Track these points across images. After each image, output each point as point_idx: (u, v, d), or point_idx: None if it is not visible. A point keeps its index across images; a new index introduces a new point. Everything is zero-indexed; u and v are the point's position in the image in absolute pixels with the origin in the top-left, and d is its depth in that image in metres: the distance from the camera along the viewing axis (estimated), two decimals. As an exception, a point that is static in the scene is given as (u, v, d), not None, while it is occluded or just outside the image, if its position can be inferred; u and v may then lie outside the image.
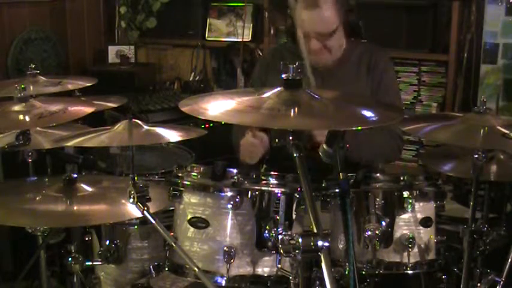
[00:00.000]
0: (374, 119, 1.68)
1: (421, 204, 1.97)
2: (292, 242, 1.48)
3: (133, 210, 1.80)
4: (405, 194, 1.94)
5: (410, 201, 1.93)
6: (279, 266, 1.82)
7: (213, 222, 1.87)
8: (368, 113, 1.69)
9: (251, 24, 4.23)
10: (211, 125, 3.45)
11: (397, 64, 3.58)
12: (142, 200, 1.75)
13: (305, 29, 2.44)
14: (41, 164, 2.45)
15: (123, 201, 1.84)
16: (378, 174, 1.98)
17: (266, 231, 1.84)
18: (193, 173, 1.94)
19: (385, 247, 1.92)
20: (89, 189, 1.96)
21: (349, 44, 2.56)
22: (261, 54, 4.13)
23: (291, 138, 1.57)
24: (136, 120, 1.91)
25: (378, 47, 2.67)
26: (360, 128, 1.67)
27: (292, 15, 2.49)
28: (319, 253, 1.46)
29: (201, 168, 1.94)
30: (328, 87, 2.42)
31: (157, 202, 1.87)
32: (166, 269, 1.96)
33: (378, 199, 1.93)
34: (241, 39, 4.17)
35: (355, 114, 1.69)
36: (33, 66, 2.55)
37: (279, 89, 1.64)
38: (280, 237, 1.55)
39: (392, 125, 2.36)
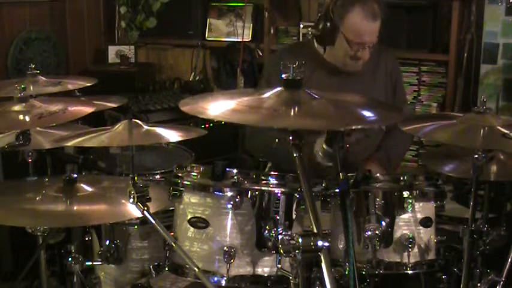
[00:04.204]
0: (373, 119, 1.68)
1: (421, 204, 1.97)
2: (292, 242, 1.48)
3: (133, 210, 1.80)
4: (405, 194, 1.93)
5: (410, 201, 1.93)
6: (279, 266, 1.82)
7: (213, 222, 1.87)
8: (368, 113, 1.69)
9: (251, 24, 4.23)
10: (211, 125, 3.46)
11: (397, 64, 3.59)
12: (142, 200, 1.76)
13: (362, 39, 2.46)
14: (41, 164, 2.45)
15: (123, 201, 1.84)
16: (378, 174, 1.98)
17: (266, 231, 1.84)
18: (193, 173, 1.94)
19: (385, 247, 1.92)
20: (89, 189, 1.96)
21: None
22: (261, 54, 4.13)
23: (291, 138, 1.57)
24: (136, 120, 1.91)
25: (387, 48, 2.70)
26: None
27: (335, 22, 2.47)
28: (319, 253, 1.46)
29: (201, 168, 1.94)
30: (348, 89, 2.46)
31: (157, 202, 1.87)
32: (166, 269, 1.96)
33: (378, 199, 1.93)
34: (241, 39, 4.17)
35: (355, 114, 1.70)
36: (33, 66, 2.55)
37: (279, 89, 1.65)
38: (280, 237, 1.56)
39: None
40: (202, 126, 3.38)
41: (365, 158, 2.61)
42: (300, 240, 1.46)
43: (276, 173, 1.90)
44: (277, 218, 1.85)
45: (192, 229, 1.89)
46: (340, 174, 1.65)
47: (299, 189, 1.84)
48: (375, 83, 2.64)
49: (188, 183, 1.92)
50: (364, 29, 2.46)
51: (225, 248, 1.83)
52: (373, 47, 2.50)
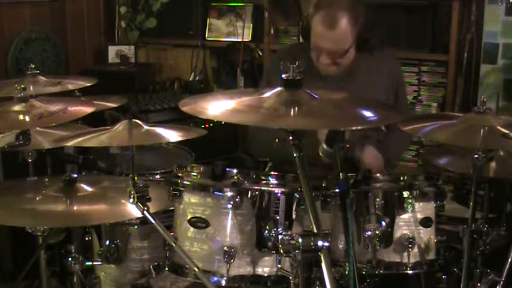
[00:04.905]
0: (374, 119, 1.68)
1: (421, 204, 1.97)
2: (292, 242, 1.48)
3: (133, 210, 1.80)
4: (405, 194, 1.93)
5: (410, 201, 1.93)
6: (279, 266, 1.82)
7: (213, 222, 1.87)
8: (368, 113, 1.69)
9: (251, 24, 4.23)
10: (211, 125, 3.46)
11: (397, 64, 3.59)
12: (142, 200, 1.75)
13: (318, 44, 2.46)
14: (41, 164, 2.45)
15: (123, 201, 1.84)
16: (378, 174, 1.98)
17: (266, 231, 1.84)
18: (193, 173, 1.94)
19: (385, 247, 1.92)
20: (89, 189, 1.96)
21: (359, 53, 2.55)
22: (261, 54, 4.13)
23: (291, 138, 1.57)
24: (136, 120, 1.91)
25: (391, 53, 2.69)
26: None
27: (309, 20, 2.49)
28: (319, 253, 1.46)
29: (201, 168, 1.94)
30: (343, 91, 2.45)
31: (157, 202, 1.87)
32: (166, 269, 1.96)
33: (378, 199, 1.93)
34: (241, 39, 4.17)
35: (355, 114, 1.70)
36: (33, 66, 2.55)
37: (279, 89, 1.65)
38: (280, 237, 1.55)
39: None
40: (202, 126, 3.37)
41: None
42: (300, 240, 1.46)
43: (276, 173, 1.90)
44: (277, 218, 1.85)
45: (192, 229, 1.89)
46: (340, 174, 1.65)
47: (299, 189, 1.84)
48: (374, 87, 2.63)
49: (188, 183, 1.92)
50: (321, 35, 2.43)
51: (225, 248, 1.83)
52: (338, 56, 2.46)
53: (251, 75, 4.11)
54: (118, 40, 4.50)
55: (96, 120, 2.37)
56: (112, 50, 4.36)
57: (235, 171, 1.87)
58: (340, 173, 1.65)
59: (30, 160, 2.35)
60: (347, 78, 2.56)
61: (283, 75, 1.64)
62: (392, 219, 1.93)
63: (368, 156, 2.45)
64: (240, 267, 1.85)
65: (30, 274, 2.40)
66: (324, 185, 1.92)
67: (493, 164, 2.12)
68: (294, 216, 1.86)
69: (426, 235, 1.97)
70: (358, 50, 2.51)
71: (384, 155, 2.60)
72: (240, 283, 1.85)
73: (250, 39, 4.21)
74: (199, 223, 1.88)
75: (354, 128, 1.75)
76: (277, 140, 1.67)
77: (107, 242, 2.12)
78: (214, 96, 2.03)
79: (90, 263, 2.12)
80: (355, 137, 2.46)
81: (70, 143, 1.96)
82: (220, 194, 1.87)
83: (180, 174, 1.96)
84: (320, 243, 1.46)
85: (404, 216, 1.94)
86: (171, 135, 1.96)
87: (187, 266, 1.88)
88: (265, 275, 1.86)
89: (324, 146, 1.78)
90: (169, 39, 4.46)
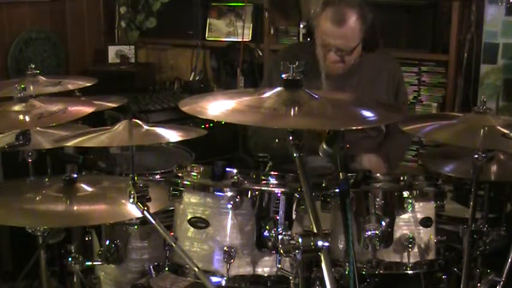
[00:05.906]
0: (374, 119, 1.68)
1: (421, 204, 1.97)
2: (292, 242, 1.48)
3: (133, 210, 1.80)
4: (405, 194, 1.93)
5: (410, 201, 1.93)
6: (279, 266, 1.82)
7: (213, 222, 1.87)
8: (368, 113, 1.69)
9: (251, 24, 4.23)
10: (211, 125, 3.46)
11: (397, 64, 3.59)
12: (142, 200, 1.76)
13: (326, 41, 2.48)
14: (41, 164, 2.45)
15: (123, 201, 1.84)
16: (378, 174, 1.98)
17: (266, 231, 1.84)
18: (193, 173, 1.94)
19: (385, 247, 1.92)
20: (89, 189, 1.96)
21: (364, 53, 2.57)
22: (261, 54, 4.13)
23: (291, 138, 1.57)
24: (136, 120, 1.91)
25: (390, 54, 2.70)
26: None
27: (314, 20, 2.50)
28: (319, 253, 1.46)
29: (201, 168, 1.94)
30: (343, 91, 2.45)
31: (157, 202, 1.87)
32: (166, 269, 1.96)
33: (378, 199, 1.93)
34: (241, 39, 4.17)
35: (355, 114, 1.70)
36: (33, 66, 2.55)
37: (279, 89, 1.65)
38: (280, 237, 1.55)
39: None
40: (202, 126, 3.38)
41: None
42: (300, 240, 1.46)
43: (276, 173, 1.90)
44: (277, 218, 1.85)
45: (192, 229, 1.89)
46: (340, 174, 1.65)
47: (299, 189, 1.84)
48: (375, 86, 2.64)
49: (188, 183, 1.92)
50: (328, 32, 2.46)
51: (225, 248, 1.83)
52: (346, 54, 2.48)
53: (251, 75, 4.11)
54: (118, 40, 4.50)
55: (96, 120, 2.37)
56: (112, 50, 4.36)
57: (235, 171, 1.87)
58: (340, 173, 1.65)
59: (30, 160, 2.35)
60: (348, 77, 2.56)
61: (283, 75, 1.64)
62: (393, 219, 1.93)
63: (367, 162, 2.47)
64: (240, 267, 1.85)
65: (30, 274, 2.40)
66: (324, 185, 1.92)
67: (493, 168, 2.12)
68: (294, 216, 1.86)
69: (426, 235, 1.97)
70: (363, 49, 2.52)
71: (384, 159, 2.61)
72: (240, 283, 1.85)
73: (250, 39, 4.20)
74: (199, 223, 1.88)
75: (354, 128, 1.75)
76: (277, 140, 1.67)
77: (107, 242, 2.12)
78: (214, 96, 2.03)
79: (90, 263, 2.12)
80: (353, 137, 2.47)
81: (70, 143, 1.96)
82: (220, 194, 1.87)
83: (180, 174, 1.95)
84: (320, 243, 1.46)
85: (404, 216, 1.94)
86: (171, 135, 1.96)
87: (187, 266, 1.88)
88: (265, 275, 1.86)
89: (324, 146, 1.78)
90: (169, 39, 4.46)
